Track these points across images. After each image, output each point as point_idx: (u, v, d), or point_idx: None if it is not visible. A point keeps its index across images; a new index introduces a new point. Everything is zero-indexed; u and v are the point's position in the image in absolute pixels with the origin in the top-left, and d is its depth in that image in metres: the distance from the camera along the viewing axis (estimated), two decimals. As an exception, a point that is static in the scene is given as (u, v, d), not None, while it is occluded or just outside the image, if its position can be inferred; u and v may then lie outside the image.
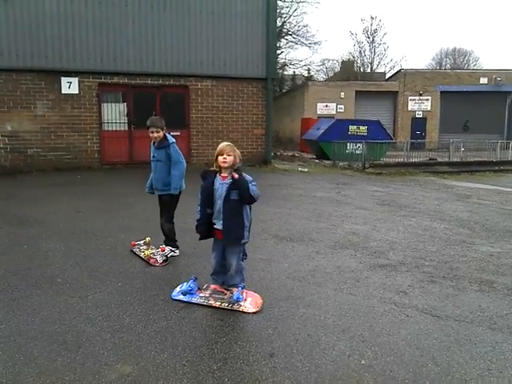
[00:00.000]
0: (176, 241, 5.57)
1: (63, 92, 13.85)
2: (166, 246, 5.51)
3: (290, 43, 38.78)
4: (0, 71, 13.12)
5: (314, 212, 8.45)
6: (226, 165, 4.02)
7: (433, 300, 4.39)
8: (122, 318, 3.87)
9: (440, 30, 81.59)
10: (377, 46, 43.40)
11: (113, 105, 14.67)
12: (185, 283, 4.31)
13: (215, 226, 4.18)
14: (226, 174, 4.06)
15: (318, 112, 30.16)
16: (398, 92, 31.52)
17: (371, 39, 43.00)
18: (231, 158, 4.01)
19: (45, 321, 3.78)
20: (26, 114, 13.54)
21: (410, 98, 31.50)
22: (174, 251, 5.50)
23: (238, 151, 4.10)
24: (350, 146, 19.22)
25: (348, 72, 41.20)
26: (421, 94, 31.40)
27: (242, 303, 4.05)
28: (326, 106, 30.64)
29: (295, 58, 61.77)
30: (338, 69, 47.01)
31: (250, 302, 4.07)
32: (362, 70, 43.96)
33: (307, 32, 39.33)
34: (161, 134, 5.39)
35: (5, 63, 13.11)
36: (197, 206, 4.27)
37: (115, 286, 4.57)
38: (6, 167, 13.23)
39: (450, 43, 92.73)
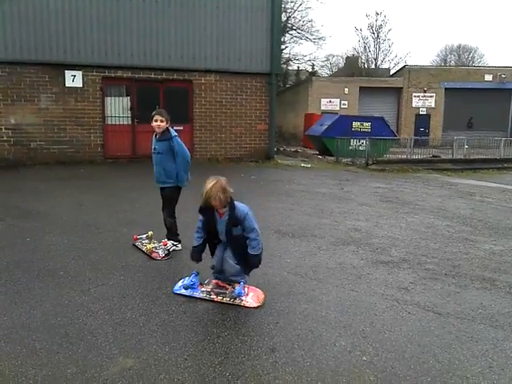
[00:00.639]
0: (178, 235, 5.58)
1: (67, 85, 13.85)
2: (169, 240, 5.52)
3: (295, 38, 38.75)
4: (4, 64, 13.12)
5: (316, 208, 8.44)
6: (218, 206, 4.02)
7: (434, 297, 4.39)
8: (124, 311, 3.88)
9: (445, 27, 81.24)
10: (381, 41, 43.25)
11: (116, 99, 14.66)
12: (187, 277, 4.32)
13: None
14: (222, 211, 4.09)
15: (322, 108, 30.07)
16: (402, 88, 31.41)
17: (376, 35, 42.86)
18: (219, 201, 3.95)
19: (47, 314, 3.80)
20: (30, 107, 13.54)
21: (414, 94, 31.38)
22: (176, 245, 5.51)
23: (222, 184, 3.97)
24: (353, 143, 19.19)
25: (352, 68, 41.13)
26: (425, 91, 31.29)
27: (243, 298, 4.05)
28: (330, 101, 30.57)
29: (299, 53, 61.70)
30: (342, 64, 46.96)
31: (251, 297, 4.08)
32: (366, 65, 43.84)
33: (312, 27, 39.34)
34: (164, 124, 5.38)
35: (9, 56, 13.10)
36: (195, 233, 4.33)
37: (117, 280, 4.58)
38: (9, 160, 13.24)
39: (454, 40, 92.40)
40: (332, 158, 18.51)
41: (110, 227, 6.64)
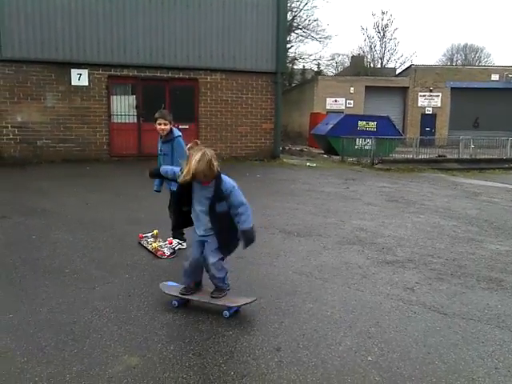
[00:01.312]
0: (183, 233, 5.57)
1: (73, 84, 13.92)
2: (174, 238, 5.52)
3: (300, 37, 38.74)
4: (10, 62, 13.19)
5: (321, 207, 8.43)
6: (205, 180, 3.60)
7: (440, 297, 4.37)
8: (129, 309, 3.88)
9: (451, 26, 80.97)
10: (387, 41, 43.28)
11: (122, 97, 14.71)
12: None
13: (196, 230, 3.85)
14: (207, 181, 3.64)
15: (328, 107, 30.03)
16: (408, 88, 31.31)
17: (382, 34, 42.88)
18: (205, 177, 3.55)
19: (53, 311, 3.81)
20: (36, 106, 13.61)
21: (420, 93, 31.27)
22: (181, 244, 5.51)
23: (208, 158, 3.51)
24: (358, 142, 19.13)
25: (358, 67, 41.03)
26: (431, 90, 31.18)
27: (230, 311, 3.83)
28: (336, 100, 30.52)
29: (305, 52, 61.67)
30: (347, 64, 46.83)
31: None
32: (372, 65, 43.79)
33: (317, 26, 39.41)
34: (168, 126, 5.39)
35: (15, 54, 13.17)
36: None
37: (123, 278, 4.59)
38: (15, 158, 13.32)
39: (461, 39, 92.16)
40: (337, 158, 18.46)
41: (115, 225, 6.65)
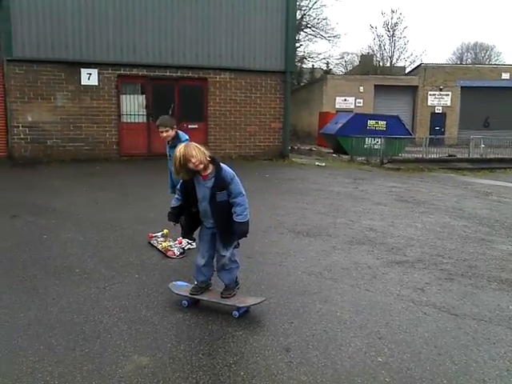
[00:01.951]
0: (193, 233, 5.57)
1: (83, 83, 13.97)
2: (183, 238, 5.52)
3: (309, 36, 38.65)
4: (21, 62, 13.27)
5: (331, 207, 8.41)
6: (201, 166, 3.62)
7: (451, 298, 4.34)
8: (139, 309, 3.90)
9: (461, 25, 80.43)
10: (397, 39, 42.98)
11: (132, 96, 14.76)
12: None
13: (204, 224, 3.91)
14: (206, 173, 3.69)
15: (337, 106, 29.94)
16: (417, 87, 31.13)
17: (391, 33, 42.60)
18: (198, 157, 3.58)
19: (63, 310, 3.83)
20: (46, 105, 13.69)
21: (429, 92, 31.09)
22: (191, 244, 5.51)
23: (193, 144, 3.69)
24: (368, 141, 19.06)
25: (367, 66, 40.88)
26: (441, 89, 30.98)
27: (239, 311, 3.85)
28: (345, 100, 30.42)
29: (314, 51, 61.28)
30: (357, 62, 46.65)
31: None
32: (381, 64, 43.57)
33: (327, 25, 39.33)
34: (171, 132, 5.34)
35: (26, 54, 13.24)
36: (176, 194, 3.98)
37: (132, 278, 4.61)
38: (26, 157, 13.40)
39: (471, 38, 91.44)
40: (346, 157, 18.41)
41: (125, 225, 6.68)
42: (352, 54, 54.60)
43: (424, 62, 34.72)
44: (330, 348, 3.36)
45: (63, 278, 4.54)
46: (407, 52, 67.29)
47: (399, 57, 44.49)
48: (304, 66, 42.02)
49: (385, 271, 5.05)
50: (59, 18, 13.46)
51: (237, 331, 3.57)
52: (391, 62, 43.85)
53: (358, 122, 20.50)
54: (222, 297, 3.91)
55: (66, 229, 6.36)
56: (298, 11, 31.64)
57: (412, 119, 31.34)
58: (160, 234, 5.83)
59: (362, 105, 30.12)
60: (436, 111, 31.23)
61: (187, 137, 5.41)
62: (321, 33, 38.06)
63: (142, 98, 14.84)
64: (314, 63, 42.40)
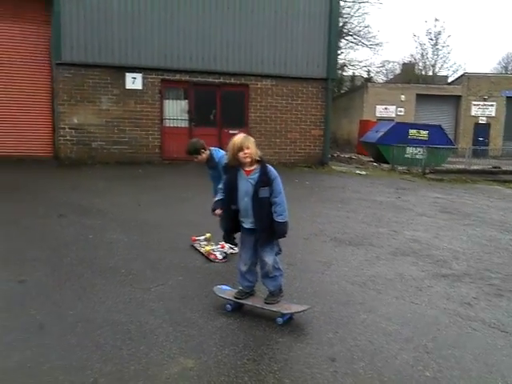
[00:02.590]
0: (235, 238, 5.56)
1: (127, 87, 14.25)
2: (226, 242, 5.54)
3: (351, 44, 38.36)
4: (69, 66, 13.64)
5: (373, 216, 8.29)
6: (248, 159, 3.74)
7: (500, 314, 4.21)
8: (184, 311, 3.93)
9: (507, 34, 78.29)
10: (440, 48, 42.19)
11: (174, 101, 14.96)
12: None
13: (244, 225, 3.94)
14: (250, 168, 3.78)
15: (377, 114, 29.64)
16: (460, 96, 30.53)
17: (434, 41, 41.84)
18: (251, 150, 3.73)
19: (110, 310, 3.90)
20: (92, 108, 14.02)
21: (473, 102, 30.43)
22: (233, 248, 5.53)
23: (251, 138, 3.83)
24: (409, 151, 18.80)
25: (409, 74, 40.28)
26: (485, 99, 30.27)
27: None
28: (386, 108, 30.07)
29: (355, 58, 60.82)
30: (398, 71, 46.00)
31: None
32: (423, 72, 42.82)
33: (368, 33, 38.80)
34: (202, 157, 5.36)
35: (74, 58, 13.61)
36: (219, 188, 4.08)
37: (176, 280, 4.65)
38: (71, 158, 13.75)
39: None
40: (387, 166, 18.17)
41: (167, 227, 6.76)
42: (393, 62, 53.85)
43: (467, 71, 34.03)
44: (375, 360, 3.30)
45: (109, 278, 4.62)
46: (450, 61, 66.06)
47: (442, 66, 43.63)
48: (344, 73, 41.72)
49: (430, 284, 4.94)
50: (106, 24, 13.79)
51: (281, 338, 3.55)
52: (433, 70, 43.07)
53: (399, 131, 20.22)
54: (265, 303, 3.91)
55: (111, 229, 6.48)
56: (340, 19, 31.48)
57: (454, 129, 30.72)
58: (203, 237, 5.87)
59: (403, 114, 29.74)
60: (480, 121, 30.51)
61: (222, 152, 5.32)
62: (362, 41, 37.77)
63: (184, 103, 15.03)
64: (355, 71, 42.09)
